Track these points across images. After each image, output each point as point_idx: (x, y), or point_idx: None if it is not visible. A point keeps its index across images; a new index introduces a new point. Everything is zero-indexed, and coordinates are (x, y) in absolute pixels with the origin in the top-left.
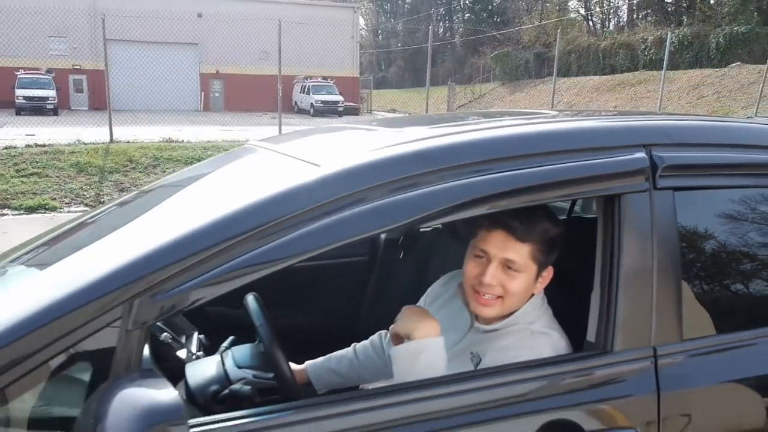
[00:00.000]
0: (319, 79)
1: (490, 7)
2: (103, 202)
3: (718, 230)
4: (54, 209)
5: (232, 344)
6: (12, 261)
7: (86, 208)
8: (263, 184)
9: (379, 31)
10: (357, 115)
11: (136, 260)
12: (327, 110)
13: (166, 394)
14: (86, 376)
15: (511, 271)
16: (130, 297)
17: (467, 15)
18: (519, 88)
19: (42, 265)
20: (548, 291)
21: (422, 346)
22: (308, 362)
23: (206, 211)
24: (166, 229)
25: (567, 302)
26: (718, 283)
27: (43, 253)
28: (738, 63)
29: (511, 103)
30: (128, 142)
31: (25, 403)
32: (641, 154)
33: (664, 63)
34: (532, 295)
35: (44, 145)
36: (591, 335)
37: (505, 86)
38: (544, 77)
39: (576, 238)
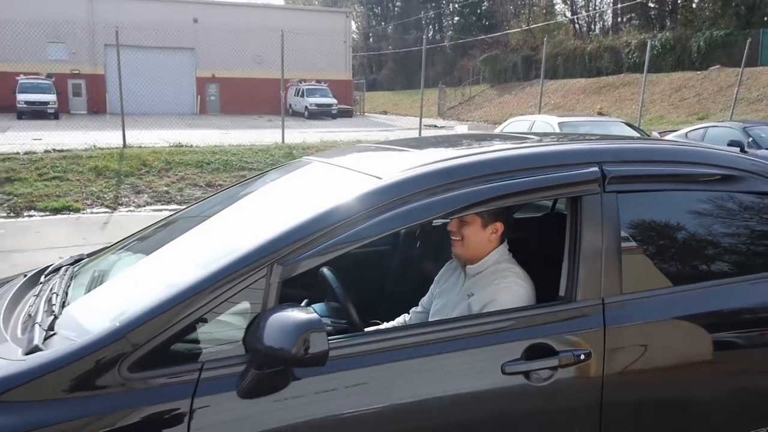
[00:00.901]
0: (313, 83)
1: (478, 11)
2: (122, 204)
3: (646, 220)
4: (77, 210)
5: (308, 305)
6: (142, 242)
7: (107, 210)
8: (344, 189)
9: (370, 35)
10: (350, 117)
11: (271, 240)
12: (321, 113)
13: (308, 313)
14: (248, 310)
15: (464, 223)
16: (269, 263)
17: (456, 18)
18: (507, 90)
19: (197, 244)
20: (532, 266)
21: None
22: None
23: (308, 208)
24: (284, 220)
25: (549, 274)
26: (646, 255)
27: (183, 236)
28: (718, 66)
29: (500, 105)
30: (140, 146)
31: (211, 326)
32: (595, 168)
33: (645, 67)
34: (496, 247)
35: (62, 150)
36: (562, 290)
37: (494, 88)
38: (532, 80)
39: (557, 227)
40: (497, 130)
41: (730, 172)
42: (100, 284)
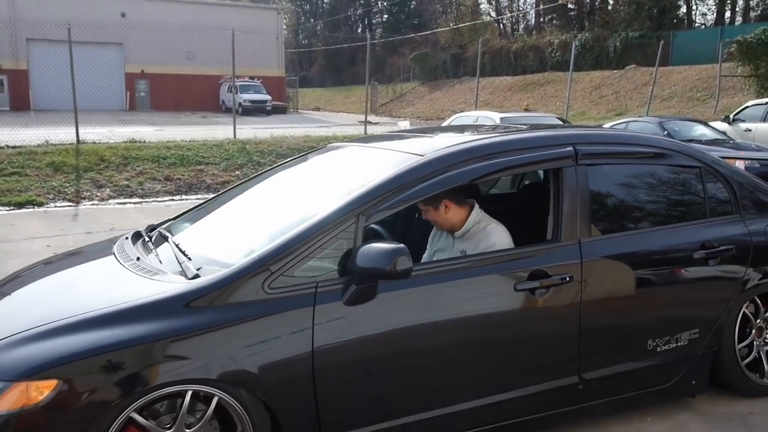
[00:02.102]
0: (246, 79)
1: (407, 9)
2: (85, 197)
3: (608, 184)
4: (41, 204)
5: None
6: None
7: (70, 203)
8: (396, 164)
9: (300, 31)
10: (285, 114)
11: (356, 199)
12: (255, 109)
13: (396, 243)
14: (343, 246)
15: (426, 213)
16: (357, 214)
17: (386, 17)
18: (438, 87)
19: (293, 203)
20: (518, 226)
21: None
22: None
23: (374, 176)
24: (359, 185)
25: (535, 231)
26: (609, 210)
27: (271, 197)
28: (633, 65)
29: (431, 102)
30: (94, 143)
31: (320, 258)
32: (570, 148)
33: (571, 66)
34: (469, 213)
35: (16, 147)
36: (549, 235)
37: (425, 85)
38: (461, 77)
39: (542, 194)
40: (444, 125)
41: (660, 150)
42: (206, 236)
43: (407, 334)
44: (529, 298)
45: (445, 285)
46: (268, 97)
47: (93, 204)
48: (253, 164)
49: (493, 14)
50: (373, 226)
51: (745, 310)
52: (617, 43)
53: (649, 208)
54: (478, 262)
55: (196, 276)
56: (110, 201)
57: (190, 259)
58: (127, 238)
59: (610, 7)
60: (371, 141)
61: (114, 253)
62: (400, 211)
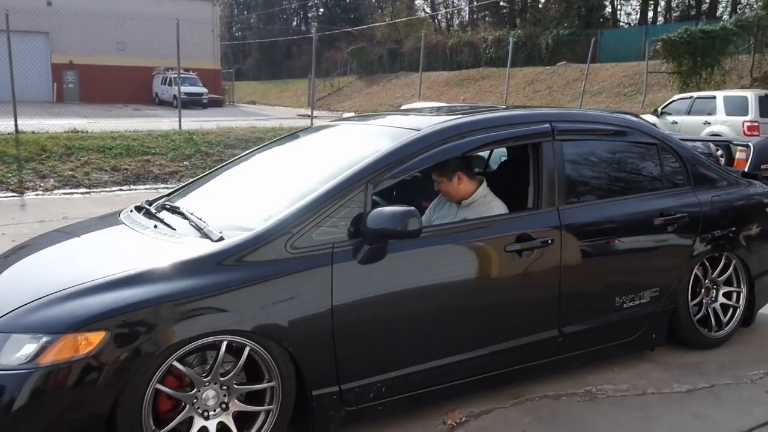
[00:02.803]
0: (182, 71)
1: (343, 3)
2: (28, 188)
3: (580, 158)
4: None
5: None
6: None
7: (14, 194)
8: (396, 138)
9: (233, 24)
10: (221, 107)
11: (364, 168)
12: (191, 102)
13: (407, 206)
14: (353, 210)
15: (440, 184)
16: (365, 182)
17: (321, 11)
18: (375, 81)
19: (303, 171)
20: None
21: None
22: None
23: (378, 148)
24: (366, 153)
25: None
26: (581, 180)
27: (278, 167)
28: (564, 62)
29: (369, 96)
30: (33, 132)
31: (334, 221)
32: (548, 125)
33: (509, 62)
34: (478, 186)
35: None
36: (529, 203)
37: (362, 80)
38: (398, 72)
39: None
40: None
41: (623, 128)
42: (213, 207)
43: (413, 291)
44: (516, 259)
45: (447, 247)
46: (204, 90)
47: (37, 195)
48: (201, 154)
49: (428, 10)
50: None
51: (696, 272)
52: (549, 41)
53: (616, 180)
54: (474, 225)
55: (221, 239)
56: (55, 191)
57: (206, 224)
58: (131, 211)
59: (541, 5)
60: (357, 120)
61: (125, 224)
62: (390, 187)
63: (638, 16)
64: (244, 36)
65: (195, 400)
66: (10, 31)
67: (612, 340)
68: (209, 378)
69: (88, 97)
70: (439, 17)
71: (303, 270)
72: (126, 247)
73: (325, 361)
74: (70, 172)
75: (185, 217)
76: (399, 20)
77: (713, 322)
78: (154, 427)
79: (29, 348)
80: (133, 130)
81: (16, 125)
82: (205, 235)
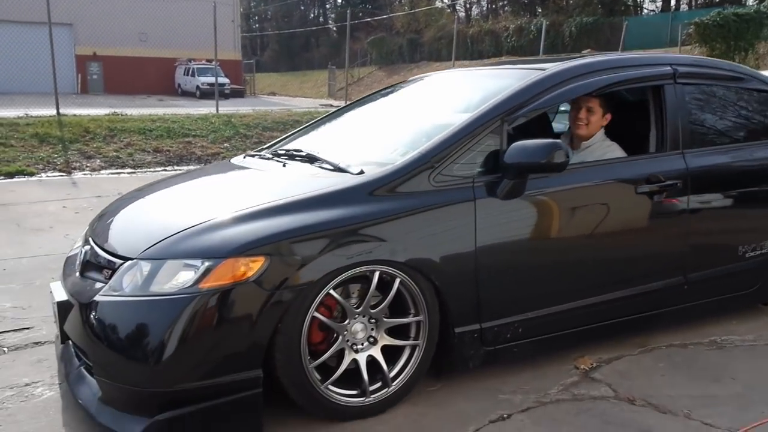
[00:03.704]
0: (204, 62)
1: None
2: (75, 168)
3: (701, 101)
4: (31, 174)
5: None
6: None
7: (62, 173)
8: (522, 78)
9: (251, 16)
10: (243, 97)
11: (499, 104)
12: (213, 92)
13: (552, 139)
14: (493, 147)
15: (591, 113)
16: (501, 118)
17: (340, 1)
18: (395, 71)
19: (435, 110)
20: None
21: None
22: None
23: (508, 87)
24: (497, 94)
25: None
26: (704, 125)
27: (406, 106)
28: (588, 50)
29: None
30: (75, 115)
31: (473, 156)
32: (669, 68)
33: (541, 48)
34: (600, 129)
35: None
36: (651, 147)
37: (382, 70)
38: (419, 62)
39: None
40: None
41: (738, 75)
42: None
43: (550, 230)
44: (647, 202)
45: (586, 186)
46: (226, 80)
47: (85, 174)
48: (240, 137)
49: (447, 0)
50: None
51: None
52: (572, 28)
53: (736, 126)
54: (607, 164)
55: (361, 173)
56: (102, 171)
57: (341, 161)
58: (244, 158)
59: None
60: (485, 68)
61: (247, 167)
62: None
63: (661, 3)
64: (262, 28)
65: (345, 332)
66: (34, 23)
67: (733, 290)
68: (360, 309)
69: (112, 88)
70: (458, 6)
71: (448, 204)
72: (264, 183)
73: (468, 297)
74: (114, 153)
75: (312, 157)
76: (419, 9)
77: None
78: (309, 357)
79: (187, 274)
80: (171, 113)
81: (57, 108)
82: (343, 170)
